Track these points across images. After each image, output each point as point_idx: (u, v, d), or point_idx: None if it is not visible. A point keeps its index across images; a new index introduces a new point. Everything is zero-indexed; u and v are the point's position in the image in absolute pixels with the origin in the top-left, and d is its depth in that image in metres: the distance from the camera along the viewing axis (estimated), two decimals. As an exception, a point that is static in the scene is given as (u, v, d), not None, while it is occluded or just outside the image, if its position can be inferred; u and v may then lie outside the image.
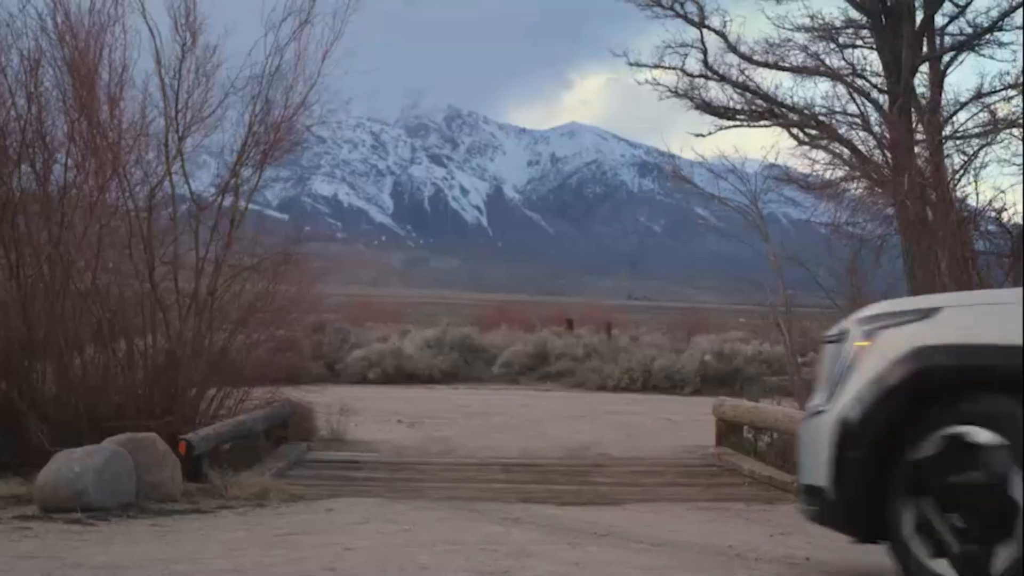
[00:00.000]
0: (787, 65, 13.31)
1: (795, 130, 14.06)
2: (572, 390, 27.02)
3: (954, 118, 13.04)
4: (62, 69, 12.07)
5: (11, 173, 12.16)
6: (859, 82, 13.56)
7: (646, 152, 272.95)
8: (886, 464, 5.25)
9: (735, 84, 13.31)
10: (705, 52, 13.24)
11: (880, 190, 12.40)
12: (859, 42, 13.64)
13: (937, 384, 5.21)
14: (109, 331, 11.95)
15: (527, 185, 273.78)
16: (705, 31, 13.52)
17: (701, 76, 13.33)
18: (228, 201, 12.59)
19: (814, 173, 13.36)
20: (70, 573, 5.58)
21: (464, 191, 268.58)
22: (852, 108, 13.38)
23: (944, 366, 5.20)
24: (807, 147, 14.14)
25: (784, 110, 13.34)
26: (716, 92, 13.59)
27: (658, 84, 13.65)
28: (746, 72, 13.29)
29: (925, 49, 13.14)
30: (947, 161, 11.98)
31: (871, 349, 5.46)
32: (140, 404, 11.88)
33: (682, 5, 13.30)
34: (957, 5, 13.19)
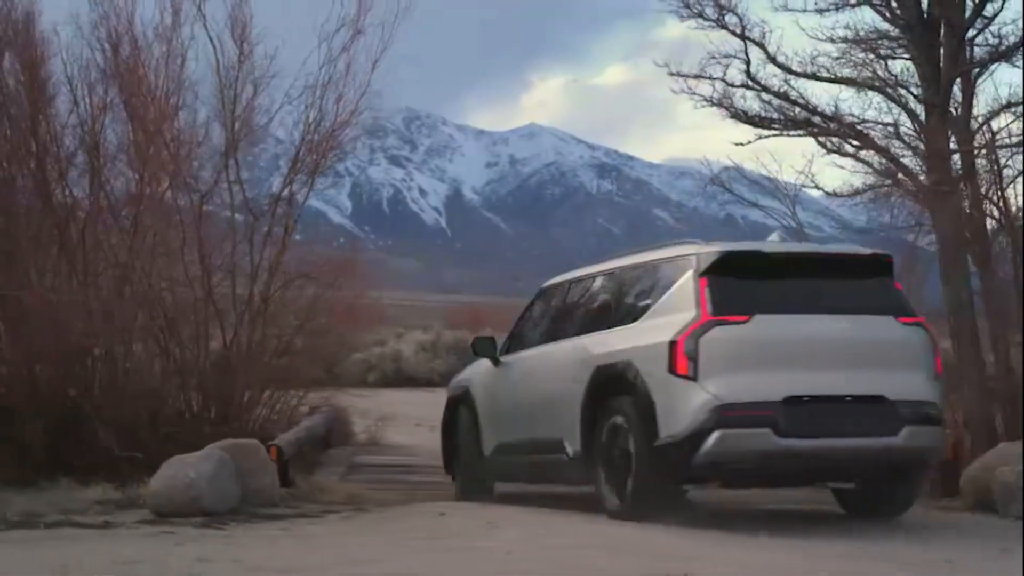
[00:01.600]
0: (827, 76, 13.50)
1: (824, 138, 14.20)
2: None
3: (991, 128, 13.27)
4: (124, 79, 12.19)
5: (71, 181, 12.34)
6: (892, 91, 13.74)
7: (605, 153, 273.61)
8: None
9: (776, 94, 13.48)
10: (748, 63, 13.40)
11: (920, 199, 12.64)
12: (892, 53, 13.83)
13: (457, 401, 10.99)
14: (167, 337, 12.08)
15: (486, 187, 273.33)
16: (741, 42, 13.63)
17: (743, 86, 13.50)
18: (282, 208, 12.77)
19: (866, 183, 13.52)
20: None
21: (423, 192, 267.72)
22: (888, 118, 13.53)
23: (454, 396, 11.10)
24: (836, 155, 14.29)
25: (825, 120, 13.52)
26: (751, 101, 13.73)
27: (694, 94, 13.78)
28: (789, 82, 13.45)
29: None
30: (1006, 171, 12.29)
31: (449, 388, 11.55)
32: (197, 409, 12.04)
33: (723, 16, 13.45)
34: (985, 17, 13.43)
